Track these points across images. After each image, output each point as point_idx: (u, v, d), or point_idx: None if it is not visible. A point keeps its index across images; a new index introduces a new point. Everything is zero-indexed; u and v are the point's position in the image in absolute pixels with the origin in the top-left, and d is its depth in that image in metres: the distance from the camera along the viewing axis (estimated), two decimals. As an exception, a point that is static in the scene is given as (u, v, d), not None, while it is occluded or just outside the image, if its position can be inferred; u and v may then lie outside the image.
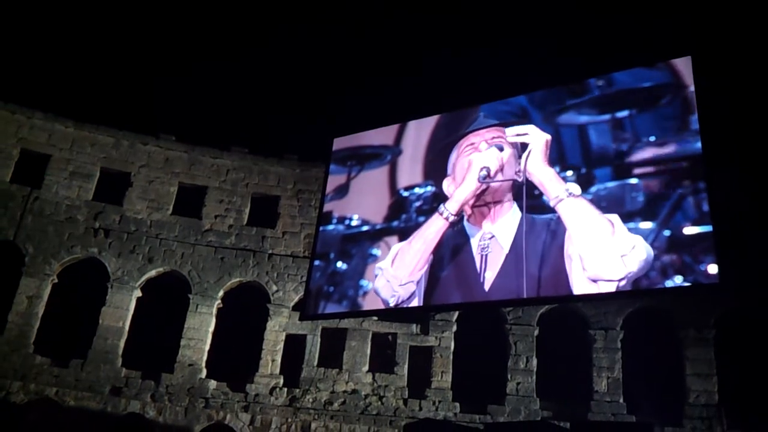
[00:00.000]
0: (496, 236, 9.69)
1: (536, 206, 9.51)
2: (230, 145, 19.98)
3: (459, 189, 10.19)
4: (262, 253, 18.85)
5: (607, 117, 9.79)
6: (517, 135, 9.98)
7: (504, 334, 17.75)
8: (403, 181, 11.38)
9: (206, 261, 18.53)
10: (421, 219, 10.73)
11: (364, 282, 10.88)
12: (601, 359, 17.13)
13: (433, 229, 10.25)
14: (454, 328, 17.99)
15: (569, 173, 9.57)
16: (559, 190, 9.27)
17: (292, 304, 18.26)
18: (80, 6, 20.97)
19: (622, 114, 9.67)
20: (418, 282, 10.10)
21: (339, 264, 11.43)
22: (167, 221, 18.77)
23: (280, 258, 18.86)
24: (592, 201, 9.21)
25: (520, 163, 9.71)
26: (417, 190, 11.07)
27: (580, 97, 10.20)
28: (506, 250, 9.49)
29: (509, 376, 17.29)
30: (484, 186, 9.90)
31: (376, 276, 10.66)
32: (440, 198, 10.57)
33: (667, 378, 16.45)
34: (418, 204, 10.95)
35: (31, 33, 21.58)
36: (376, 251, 11.02)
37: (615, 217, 8.87)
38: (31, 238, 17.64)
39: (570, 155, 9.78)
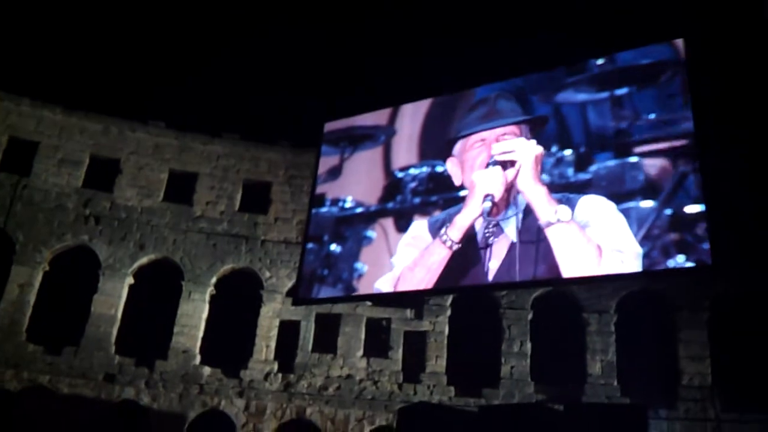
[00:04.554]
0: (501, 224, 9.35)
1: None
2: (221, 131, 19.78)
3: (461, 215, 9.42)
4: (254, 240, 18.73)
5: (605, 95, 9.66)
6: (503, 153, 9.17)
7: (498, 318, 17.74)
8: (398, 162, 11.27)
9: (198, 248, 18.39)
10: (417, 200, 10.63)
11: (358, 265, 10.81)
12: (595, 342, 17.16)
13: (437, 258, 9.52)
14: (449, 312, 17.98)
15: (567, 153, 9.49)
16: (549, 214, 8.74)
17: (285, 290, 18.18)
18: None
19: (622, 92, 9.54)
20: None
21: (333, 246, 11.34)
22: (158, 208, 18.59)
23: (273, 244, 18.74)
24: (597, 184, 9.10)
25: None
26: (412, 171, 10.94)
27: (578, 75, 10.08)
28: (511, 238, 9.20)
29: (503, 360, 17.30)
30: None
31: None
32: (436, 179, 10.46)
33: (660, 360, 16.49)
34: (413, 185, 10.83)
35: (18, 20, 21.23)
36: (370, 233, 10.93)
37: (606, 239, 8.59)
38: (21, 226, 17.44)
39: (568, 135, 9.68)
